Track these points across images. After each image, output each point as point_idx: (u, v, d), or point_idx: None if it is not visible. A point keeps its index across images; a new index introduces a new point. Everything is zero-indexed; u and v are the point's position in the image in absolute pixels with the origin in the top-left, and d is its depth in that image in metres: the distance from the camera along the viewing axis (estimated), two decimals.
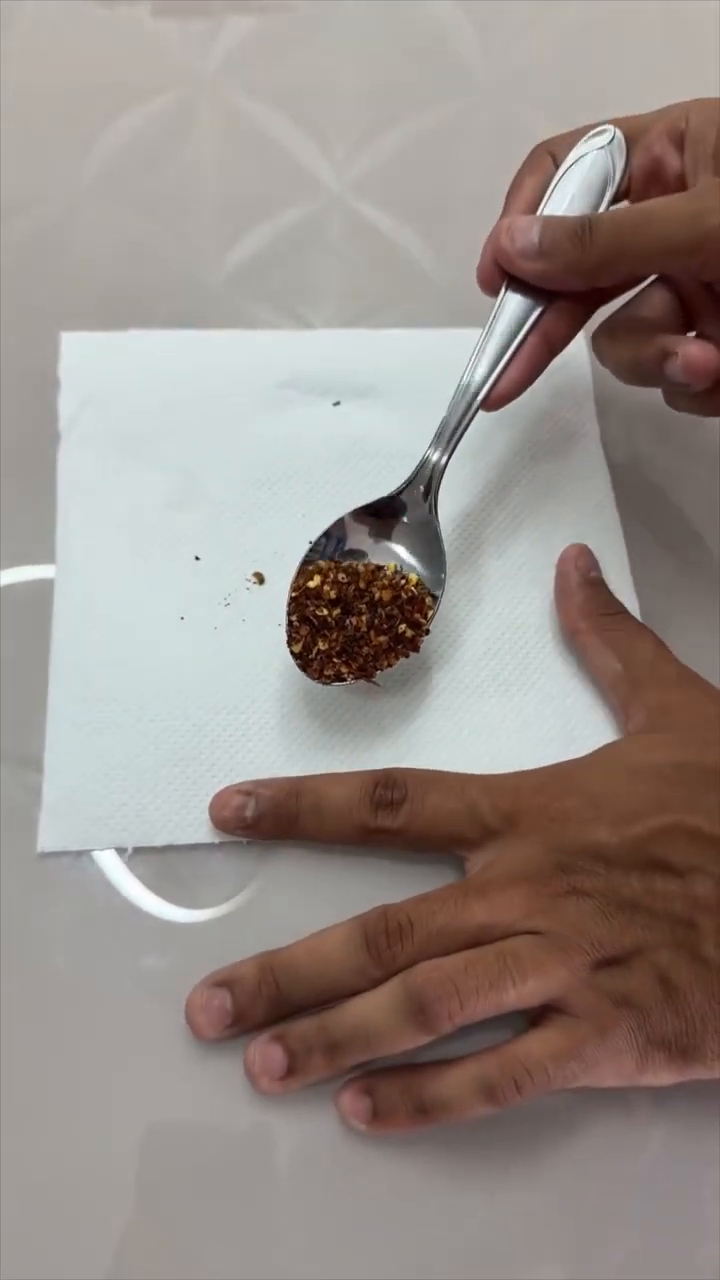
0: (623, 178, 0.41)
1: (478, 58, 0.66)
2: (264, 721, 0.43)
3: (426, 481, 0.44)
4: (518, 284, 0.41)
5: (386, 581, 0.43)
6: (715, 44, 0.66)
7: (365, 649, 0.41)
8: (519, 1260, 0.36)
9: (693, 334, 0.42)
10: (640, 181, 0.41)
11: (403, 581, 0.43)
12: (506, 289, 0.42)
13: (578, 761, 0.40)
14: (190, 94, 0.62)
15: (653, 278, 0.41)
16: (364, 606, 0.42)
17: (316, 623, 0.41)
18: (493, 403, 0.42)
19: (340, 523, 0.44)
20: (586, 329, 0.44)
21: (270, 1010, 0.37)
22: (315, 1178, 0.36)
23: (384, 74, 0.65)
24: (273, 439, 0.50)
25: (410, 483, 0.44)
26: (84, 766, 0.41)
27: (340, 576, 0.42)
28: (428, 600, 0.43)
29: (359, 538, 0.44)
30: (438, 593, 0.43)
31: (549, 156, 0.43)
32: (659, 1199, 0.37)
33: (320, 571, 0.43)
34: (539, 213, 0.42)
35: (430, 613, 0.43)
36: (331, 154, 0.61)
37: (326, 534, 0.43)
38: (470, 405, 0.42)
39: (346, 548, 0.44)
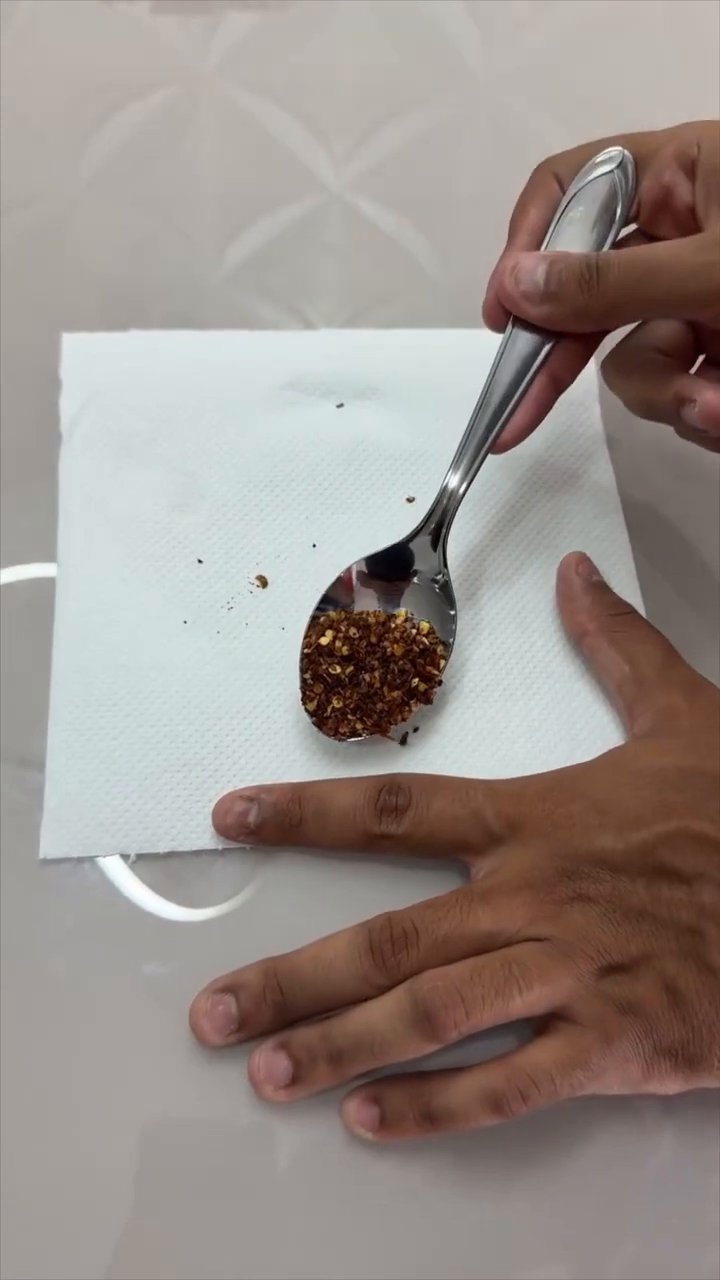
0: (631, 201, 0.40)
1: (478, 54, 0.66)
2: (267, 726, 0.43)
3: (435, 531, 0.43)
4: (524, 321, 0.40)
5: (398, 635, 0.42)
6: (716, 42, 0.65)
7: (379, 704, 0.41)
8: (524, 1263, 0.36)
9: (700, 360, 0.41)
10: (650, 208, 0.40)
11: (414, 632, 0.43)
12: (513, 326, 0.41)
13: (583, 766, 0.40)
14: (189, 90, 0.62)
15: None
16: (376, 662, 0.42)
17: (330, 680, 0.41)
18: (499, 447, 0.42)
19: (348, 586, 0.44)
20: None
21: (275, 1016, 0.37)
22: (319, 1183, 0.36)
23: (384, 70, 0.65)
24: (275, 440, 0.49)
25: (419, 531, 0.44)
26: (86, 772, 0.41)
27: (352, 631, 0.42)
28: (439, 650, 0.43)
29: (366, 601, 0.44)
30: (449, 640, 0.43)
31: (554, 179, 0.41)
32: (667, 1203, 0.37)
33: (331, 625, 0.42)
34: (545, 243, 0.40)
35: (442, 662, 0.43)
36: (331, 150, 0.61)
37: (327, 598, 0.43)
38: (477, 455, 0.42)
39: (355, 610, 0.43)
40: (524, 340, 0.40)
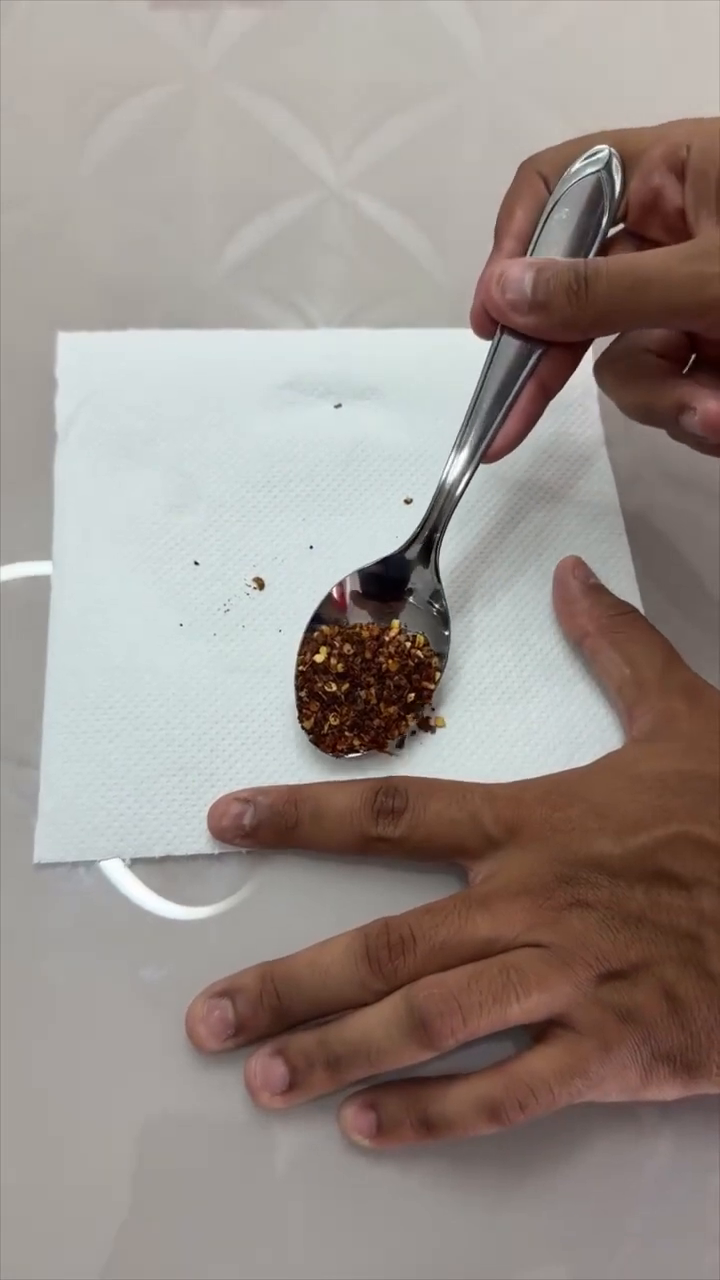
0: (619, 202, 0.39)
1: (477, 50, 0.66)
2: (264, 730, 0.42)
3: (427, 545, 0.43)
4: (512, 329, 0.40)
5: (393, 650, 0.42)
6: (716, 39, 0.65)
7: (376, 720, 0.41)
8: (522, 1265, 0.36)
9: (692, 359, 0.41)
10: (638, 210, 0.39)
11: (409, 645, 0.43)
12: (501, 333, 0.40)
13: (582, 770, 0.40)
14: (188, 88, 0.62)
15: None
16: (372, 679, 0.42)
17: (326, 698, 0.41)
18: (490, 458, 0.41)
19: (340, 606, 0.43)
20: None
21: (272, 1021, 0.36)
22: (316, 1188, 0.36)
23: (383, 67, 0.64)
24: (273, 441, 0.49)
25: (411, 544, 0.43)
26: (81, 776, 0.41)
27: (346, 648, 0.42)
28: (434, 662, 0.43)
29: (360, 617, 0.44)
30: (443, 650, 0.43)
31: (539, 179, 0.40)
32: (665, 1206, 0.36)
33: (326, 641, 0.42)
34: (532, 247, 0.40)
35: (437, 675, 0.43)
36: (330, 147, 0.60)
37: (319, 618, 0.43)
38: (468, 466, 0.41)
39: (350, 624, 0.43)
40: (512, 348, 0.40)
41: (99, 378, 0.50)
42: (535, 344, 0.40)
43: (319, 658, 0.42)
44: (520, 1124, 0.34)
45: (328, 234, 0.58)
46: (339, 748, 0.41)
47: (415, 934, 0.36)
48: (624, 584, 0.47)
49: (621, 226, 0.41)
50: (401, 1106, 0.35)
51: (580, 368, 0.42)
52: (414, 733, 0.43)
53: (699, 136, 0.37)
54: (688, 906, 0.35)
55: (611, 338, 0.41)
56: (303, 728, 0.41)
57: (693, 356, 0.41)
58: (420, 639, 0.43)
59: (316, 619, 0.43)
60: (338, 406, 0.50)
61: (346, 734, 0.41)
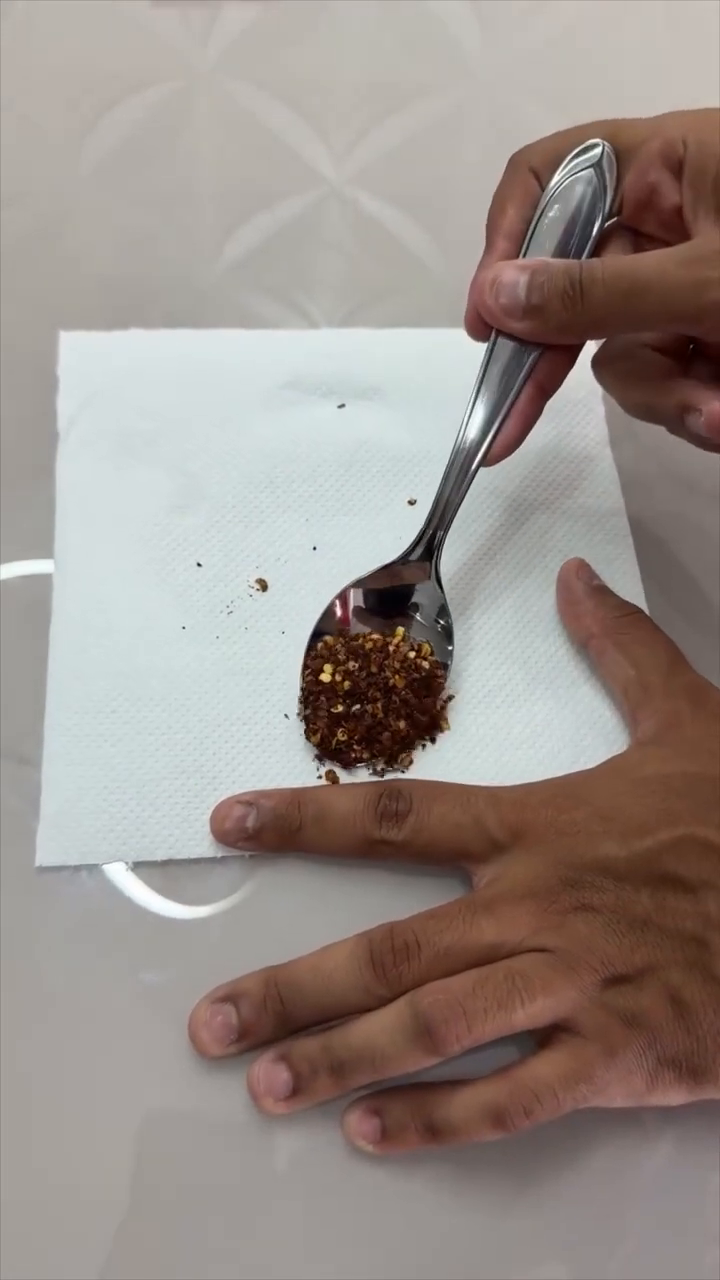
0: (614, 198, 0.38)
1: (478, 48, 0.65)
2: (267, 733, 0.42)
3: (428, 549, 0.43)
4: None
5: (398, 664, 0.42)
6: (716, 39, 0.65)
7: (385, 734, 0.41)
8: (522, 1266, 0.36)
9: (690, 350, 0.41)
10: (633, 206, 0.38)
11: (413, 655, 0.42)
12: (497, 335, 0.39)
13: (586, 773, 0.40)
14: (188, 85, 0.61)
15: None
16: (378, 693, 0.41)
17: (332, 716, 0.41)
18: (489, 461, 0.41)
19: (344, 621, 0.43)
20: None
21: (275, 1026, 0.36)
22: (319, 1193, 0.36)
23: (383, 65, 0.64)
24: (276, 441, 0.49)
25: (411, 550, 0.43)
26: (83, 779, 0.41)
27: (351, 664, 0.42)
28: (439, 674, 0.42)
29: (362, 628, 0.44)
30: (448, 662, 0.43)
31: (531, 175, 0.39)
32: (665, 1206, 0.36)
33: (330, 657, 0.42)
34: (525, 246, 0.39)
35: (443, 695, 0.43)
36: (331, 145, 0.60)
37: (317, 633, 0.43)
38: (468, 472, 0.41)
39: (352, 634, 0.43)
40: (508, 350, 0.39)
41: (100, 377, 0.50)
42: (531, 346, 0.39)
43: (324, 677, 0.42)
44: (525, 1130, 0.33)
45: (328, 232, 0.58)
46: (348, 759, 0.41)
47: (419, 939, 0.36)
48: (629, 586, 0.46)
49: (615, 220, 0.40)
50: (406, 1112, 0.35)
51: (583, 367, 0.41)
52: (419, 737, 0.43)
53: (696, 130, 0.36)
54: (693, 910, 0.35)
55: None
56: (310, 743, 0.41)
57: (690, 347, 0.41)
58: (426, 647, 0.43)
59: (318, 635, 0.43)
60: (341, 406, 0.50)
61: (355, 747, 0.41)
